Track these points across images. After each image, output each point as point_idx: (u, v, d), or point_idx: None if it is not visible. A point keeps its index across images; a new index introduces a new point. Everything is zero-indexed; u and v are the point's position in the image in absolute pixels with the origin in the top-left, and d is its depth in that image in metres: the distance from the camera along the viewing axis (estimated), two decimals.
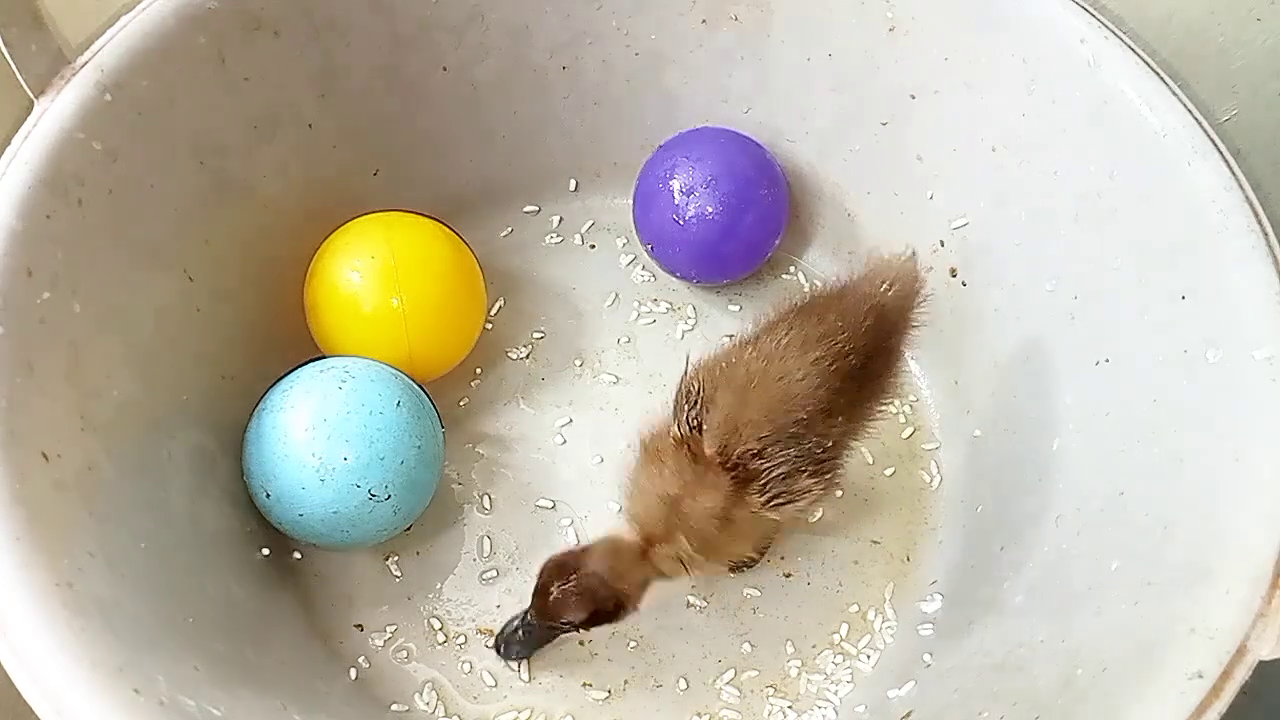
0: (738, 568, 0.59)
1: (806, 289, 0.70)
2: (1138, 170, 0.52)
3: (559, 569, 0.50)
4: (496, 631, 0.55)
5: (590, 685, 0.57)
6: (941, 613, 0.58)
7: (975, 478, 0.62)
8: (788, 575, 0.60)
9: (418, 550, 0.60)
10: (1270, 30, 0.56)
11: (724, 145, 0.66)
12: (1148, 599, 0.45)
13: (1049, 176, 0.56)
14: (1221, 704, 0.40)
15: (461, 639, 0.58)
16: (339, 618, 0.58)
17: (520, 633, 0.53)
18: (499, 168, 0.70)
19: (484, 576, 0.60)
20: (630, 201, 0.68)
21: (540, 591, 0.50)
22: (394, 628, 0.58)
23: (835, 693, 0.57)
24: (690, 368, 0.51)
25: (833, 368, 0.49)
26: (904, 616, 0.59)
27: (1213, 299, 0.48)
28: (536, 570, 0.51)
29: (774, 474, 0.48)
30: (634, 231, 0.69)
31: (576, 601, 0.49)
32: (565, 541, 0.60)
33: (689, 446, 0.49)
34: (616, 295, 0.69)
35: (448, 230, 0.63)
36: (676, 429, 0.50)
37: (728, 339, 0.54)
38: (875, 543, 0.61)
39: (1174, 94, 0.52)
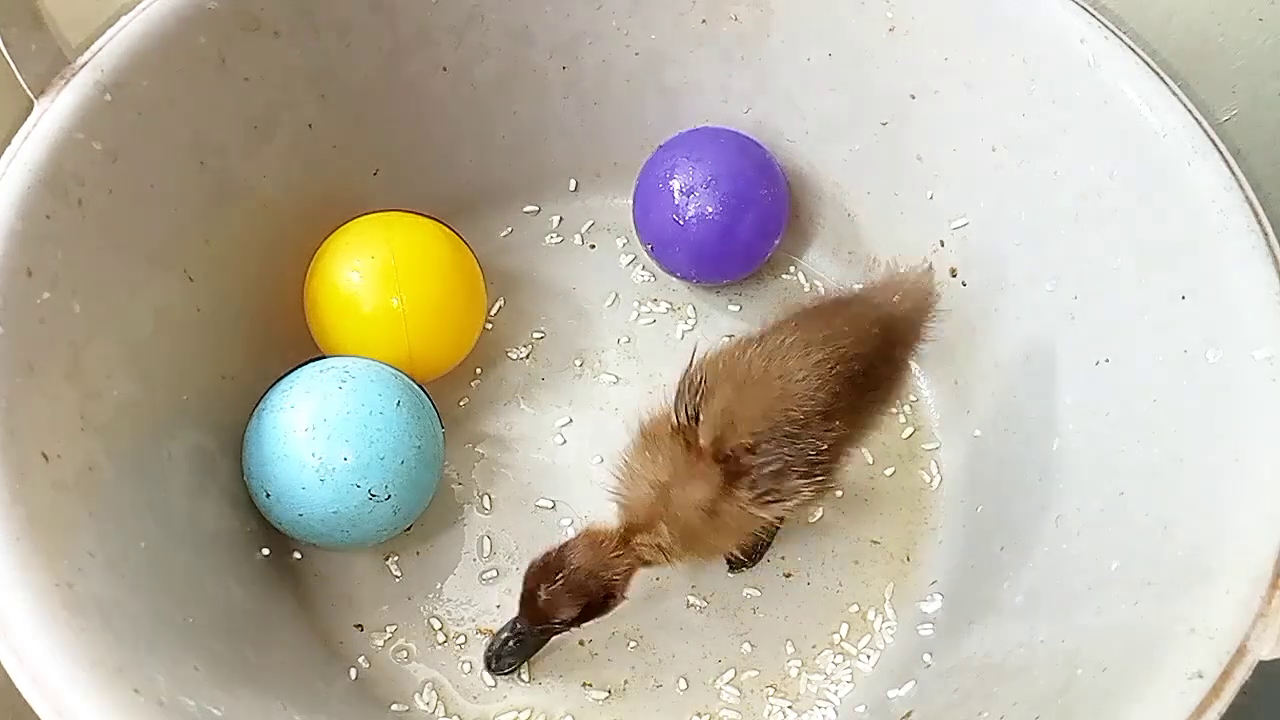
0: (737, 567, 0.59)
1: (808, 289, 0.70)
2: (1138, 170, 0.52)
3: (543, 570, 0.50)
4: (485, 648, 0.55)
5: (590, 685, 0.57)
6: (941, 613, 0.58)
7: (975, 478, 0.62)
8: (788, 575, 0.60)
9: (418, 550, 0.60)
10: (1270, 30, 0.56)
11: (724, 145, 0.66)
12: (1148, 599, 0.45)
13: (1049, 176, 0.56)
14: (1221, 704, 0.40)
15: (461, 639, 0.58)
16: (339, 618, 0.58)
17: (511, 643, 0.53)
18: (499, 168, 0.70)
19: (484, 576, 0.60)
20: (630, 201, 0.68)
21: (528, 597, 0.50)
22: (394, 628, 0.58)
23: (835, 693, 0.57)
24: (696, 358, 0.51)
25: (834, 371, 0.49)
26: (904, 616, 0.59)
27: (1213, 299, 0.48)
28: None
29: (764, 471, 0.48)
30: (634, 231, 0.69)
31: (567, 598, 0.49)
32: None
33: (684, 435, 0.49)
34: (616, 295, 0.69)
35: (448, 230, 0.63)
36: (674, 417, 0.50)
37: (727, 339, 0.54)
38: (875, 543, 0.61)
39: (1174, 94, 0.52)
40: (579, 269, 0.70)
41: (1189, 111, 0.51)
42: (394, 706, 0.56)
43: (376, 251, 0.59)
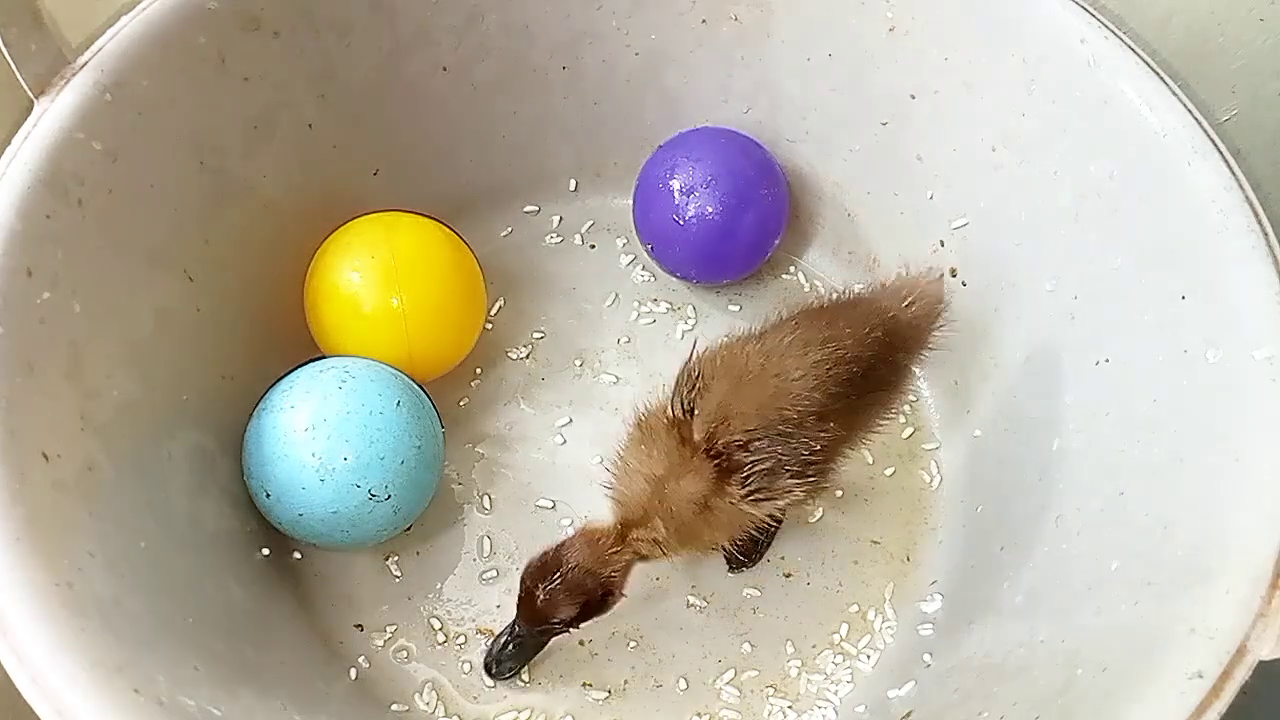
0: (737, 567, 0.59)
1: (808, 289, 0.70)
2: (1138, 170, 0.52)
3: (540, 571, 0.50)
4: (485, 653, 0.55)
5: (590, 685, 0.57)
6: (941, 613, 0.58)
7: (975, 478, 0.62)
8: (788, 575, 0.60)
9: (418, 550, 0.60)
10: (1270, 30, 0.56)
11: (724, 145, 0.66)
12: (1148, 599, 0.45)
13: (1049, 176, 0.56)
14: (1221, 704, 0.39)
15: (461, 639, 0.58)
16: (339, 618, 0.58)
17: (510, 647, 0.53)
18: (499, 168, 0.70)
19: (484, 576, 0.60)
20: (630, 201, 0.68)
21: (526, 598, 0.50)
22: (394, 628, 0.58)
23: (835, 693, 0.57)
24: (695, 353, 0.51)
25: (831, 372, 0.49)
26: (904, 616, 0.59)
27: (1213, 299, 0.48)
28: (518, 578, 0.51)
29: (756, 469, 0.48)
30: (634, 231, 0.69)
31: (566, 597, 0.49)
32: None
33: (679, 429, 0.49)
34: (616, 295, 0.69)
35: (448, 230, 0.63)
36: (670, 410, 0.50)
37: (735, 338, 0.54)
38: (875, 543, 0.61)
39: (1174, 94, 0.52)
40: (579, 269, 0.70)
41: (1189, 111, 0.51)
42: (394, 706, 0.56)
43: (376, 251, 0.59)
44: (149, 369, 0.52)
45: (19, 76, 0.48)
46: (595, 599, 0.50)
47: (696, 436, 0.49)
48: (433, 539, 0.61)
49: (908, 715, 0.52)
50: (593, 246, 0.72)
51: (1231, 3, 0.56)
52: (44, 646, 0.39)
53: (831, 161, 0.68)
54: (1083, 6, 0.55)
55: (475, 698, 0.56)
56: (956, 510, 0.62)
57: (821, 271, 0.71)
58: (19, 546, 0.40)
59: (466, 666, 0.57)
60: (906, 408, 0.65)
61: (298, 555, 0.60)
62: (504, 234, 0.71)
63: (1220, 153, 0.50)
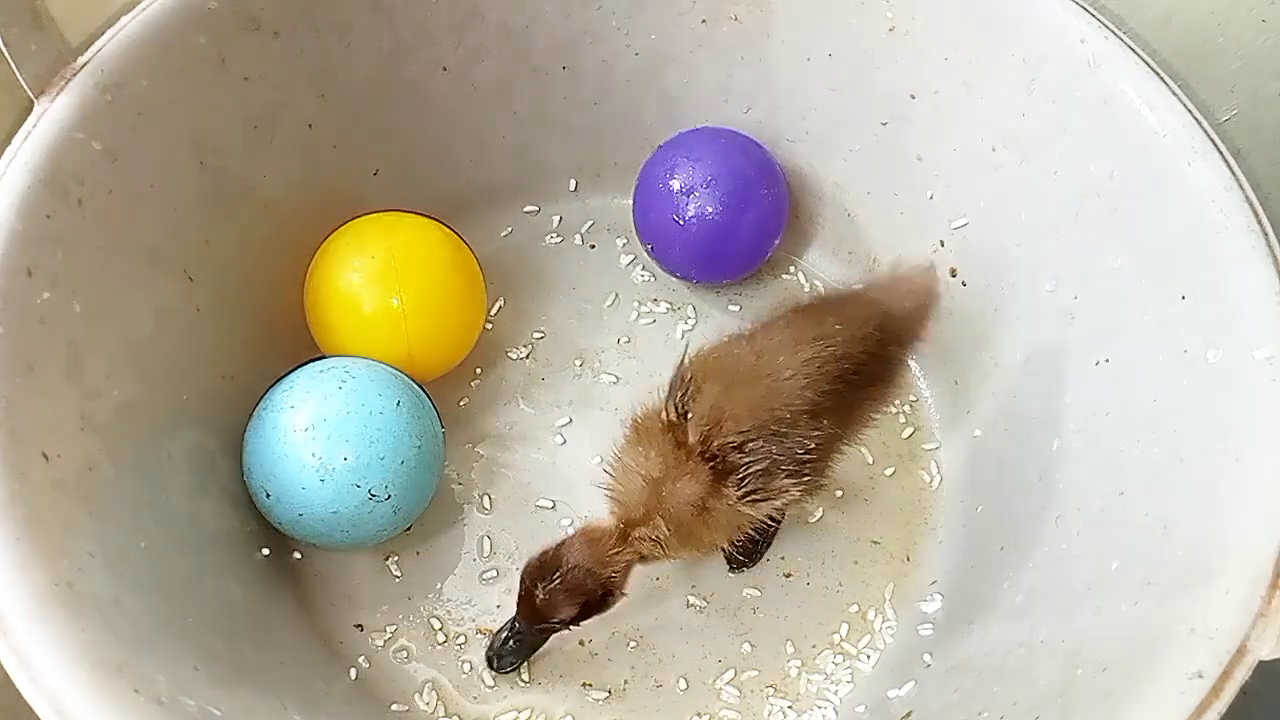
0: (737, 567, 0.59)
1: (808, 289, 0.70)
2: (1138, 170, 0.52)
3: (540, 569, 0.50)
4: (486, 647, 0.55)
5: (590, 685, 0.57)
6: (941, 613, 0.58)
7: (975, 478, 0.62)
8: (788, 575, 0.60)
9: (418, 550, 0.60)
10: (1270, 30, 0.56)
11: (724, 145, 0.66)
12: (1148, 599, 0.45)
13: (1049, 176, 0.56)
14: (1221, 704, 0.39)
15: (461, 639, 0.58)
16: (339, 618, 0.58)
17: (510, 643, 0.53)
18: (499, 168, 0.70)
19: (484, 576, 0.60)
20: (630, 201, 0.68)
21: (525, 596, 0.50)
22: (394, 628, 0.58)
23: (835, 693, 0.57)
24: (686, 355, 0.51)
25: (823, 370, 0.49)
26: (904, 616, 0.59)
27: (1213, 299, 0.48)
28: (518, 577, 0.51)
29: (752, 470, 0.48)
30: (634, 231, 0.69)
31: (565, 597, 0.49)
32: None
33: (674, 432, 0.49)
34: (616, 295, 0.69)
35: (448, 230, 0.63)
36: (665, 413, 0.50)
37: (727, 339, 0.54)
38: (875, 543, 0.61)
39: (1174, 94, 0.52)
40: (579, 269, 0.70)
41: (1189, 111, 0.51)
42: (394, 706, 0.56)
43: (376, 251, 0.59)
44: (149, 369, 0.52)
45: (19, 76, 0.48)
46: (595, 599, 0.50)
47: (691, 439, 0.48)
48: (433, 539, 0.61)
49: (908, 715, 0.52)
50: (593, 246, 0.72)
51: (1231, 3, 0.56)
52: (44, 646, 0.39)
53: (831, 161, 0.68)
54: (1083, 6, 0.55)
55: (475, 698, 0.56)
56: (956, 510, 0.62)
57: (821, 271, 0.71)
58: (19, 546, 0.40)
59: (466, 666, 0.57)
60: (906, 408, 0.65)
61: (298, 555, 0.60)
62: (504, 234, 0.71)
63: (1220, 153, 0.50)
